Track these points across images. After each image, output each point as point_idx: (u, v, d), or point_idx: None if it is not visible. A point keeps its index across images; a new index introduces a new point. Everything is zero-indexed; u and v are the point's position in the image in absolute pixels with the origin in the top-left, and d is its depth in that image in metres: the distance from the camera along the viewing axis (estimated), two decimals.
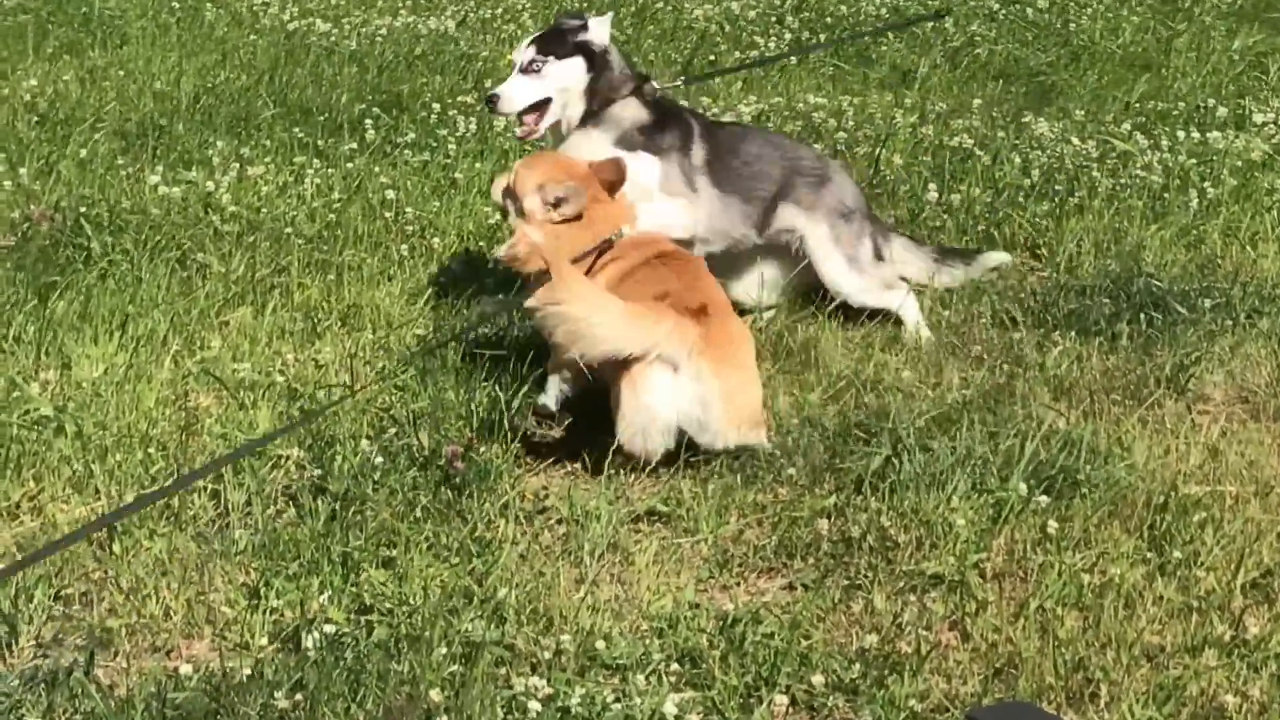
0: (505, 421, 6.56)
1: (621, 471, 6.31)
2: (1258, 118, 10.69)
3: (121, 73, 12.08)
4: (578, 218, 6.82)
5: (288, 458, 6.39)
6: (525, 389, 6.78)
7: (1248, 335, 7.40)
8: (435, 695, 4.89)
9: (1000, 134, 10.44)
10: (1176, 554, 5.64)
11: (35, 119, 10.84)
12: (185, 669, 5.10)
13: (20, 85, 11.68)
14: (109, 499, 6.16)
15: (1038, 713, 2.65)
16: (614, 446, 6.35)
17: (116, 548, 5.81)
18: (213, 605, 5.52)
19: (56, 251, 8.39)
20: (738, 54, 12.73)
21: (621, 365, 6.31)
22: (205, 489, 6.20)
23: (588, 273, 6.69)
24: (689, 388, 6.35)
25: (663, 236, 7.10)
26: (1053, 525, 5.82)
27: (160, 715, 4.83)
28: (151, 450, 6.51)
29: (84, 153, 10.03)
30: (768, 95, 11.43)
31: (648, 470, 6.34)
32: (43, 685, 5.01)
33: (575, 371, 6.43)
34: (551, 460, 6.51)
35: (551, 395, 6.57)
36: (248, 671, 5.08)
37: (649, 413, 6.33)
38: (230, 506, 6.09)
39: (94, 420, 6.71)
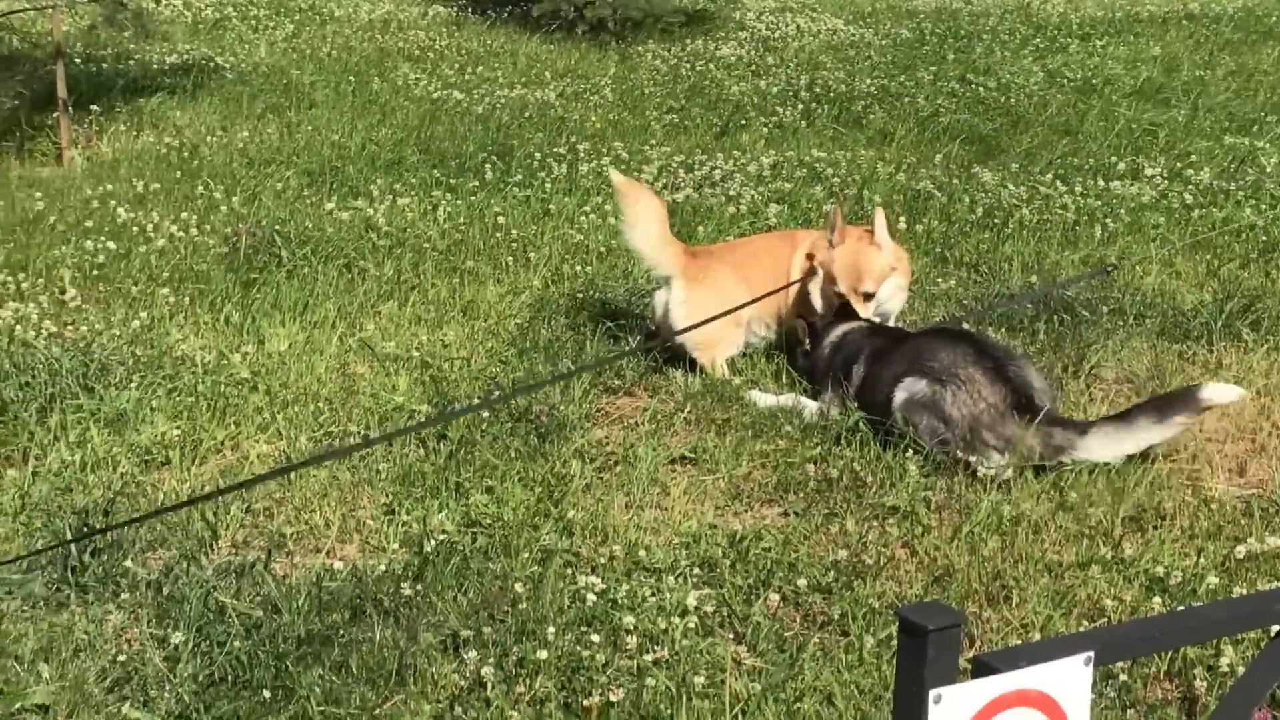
0: (576, 389, 6.57)
1: (662, 428, 6.30)
2: (1148, 171, 10.56)
3: (310, 128, 12.12)
4: None
5: (419, 412, 6.39)
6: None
7: (1134, 333, 7.30)
8: (519, 587, 4.89)
9: (954, 181, 10.35)
10: (1074, 495, 5.58)
11: (246, 161, 10.89)
12: (338, 565, 5.12)
13: (236, 136, 11.73)
14: (288, 440, 6.18)
15: (946, 611, 2.61)
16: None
17: (291, 475, 5.84)
18: (360, 519, 5.54)
19: (256, 257, 8.43)
20: (762, 119, 12.66)
21: None
22: (357, 434, 6.22)
23: None
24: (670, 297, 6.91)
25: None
26: (981, 470, 5.77)
27: (317, 599, 4.84)
28: (320, 404, 6.53)
29: (280, 186, 10.07)
30: (783, 150, 11.37)
31: (682, 424, 6.32)
32: (233, 575, 5.04)
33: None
34: (613, 418, 6.50)
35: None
36: (383, 568, 5.09)
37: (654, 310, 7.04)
38: (374, 448, 6.10)
39: (279, 382, 6.75)
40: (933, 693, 2.58)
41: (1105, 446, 5.74)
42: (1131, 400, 6.59)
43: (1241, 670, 4.42)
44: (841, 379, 6.38)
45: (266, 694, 4.33)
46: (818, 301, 6.82)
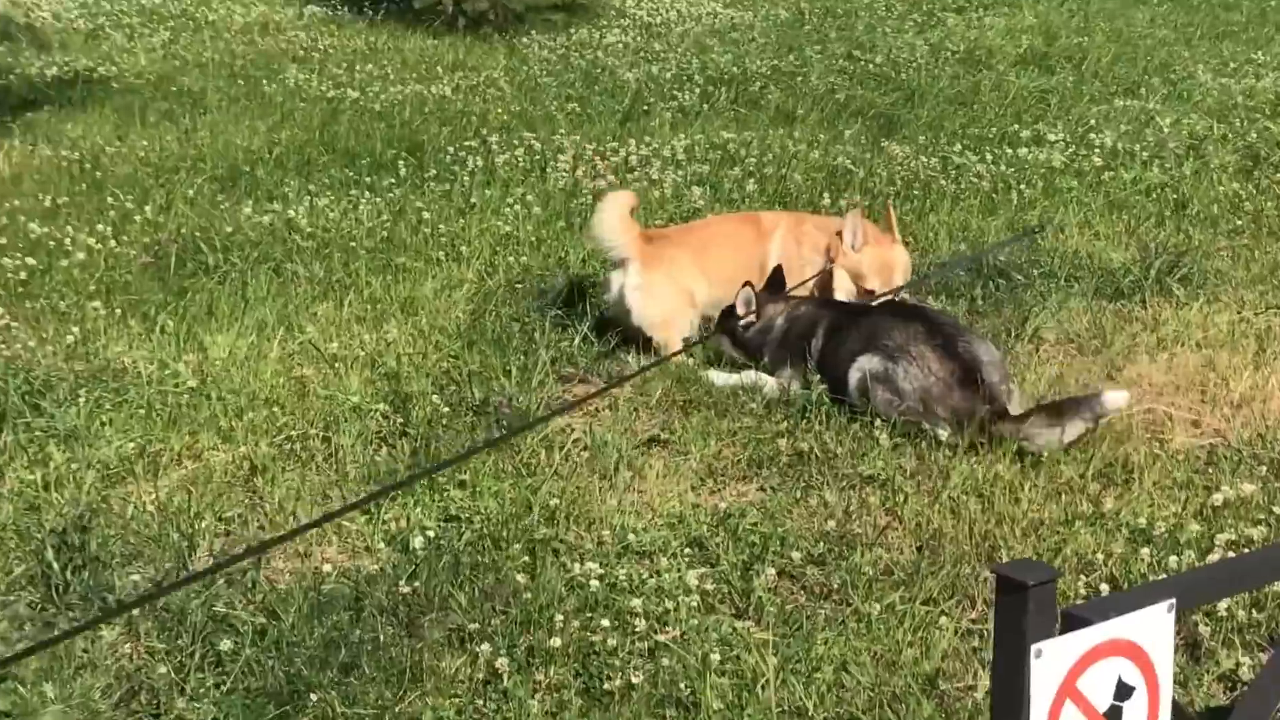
0: (534, 379, 6.52)
1: (624, 412, 6.27)
2: (1051, 137, 10.73)
3: (208, 133, 11.89)
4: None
5: (377, 409, 6.31)
6: (549, 353, 6.78)
7: (1070, 294, 7.42)
8: (520, 578, 4.86)
9: (868, 156, 10.43)
10: (1042, 455, 5.66)
11: (150, 169, 10.66)
12: (326, 567, 5.05)
13: (135, 146, 11.48)
14: (250, 446, 6.06)
15: (1041, 567, 2.64)
16: None
17: (259, 481, 5.75)
18: (336, 521, 5.44)
19: (184, 266, 8.27)
20: (662, 104, 12.64)
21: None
22: (318, 437, 6.12)
23: None
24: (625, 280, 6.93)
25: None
26: (942, 436, 5.83)
27: (314, 602, 4.77)
28: (275, 409, 6.42)
29: (191, 193, 9.89)
30: (691, 133, 11.36)
31: (648, 407, 6.30)
32: (224, 583, 4.94)
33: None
34: (573, 406, 6.46)
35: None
36: (375, 568, 5.03)
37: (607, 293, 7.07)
38: (337, 449, 6.01)
39: (228, 389, 6.62)
40: (1034, 647, 2.61)
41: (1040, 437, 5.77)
42: (1076, 359, 6.72)
43: (1243, 615, 4.53)
44: (801, 355, 6.42)
45: (284, 697, 4.26)
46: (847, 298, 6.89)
